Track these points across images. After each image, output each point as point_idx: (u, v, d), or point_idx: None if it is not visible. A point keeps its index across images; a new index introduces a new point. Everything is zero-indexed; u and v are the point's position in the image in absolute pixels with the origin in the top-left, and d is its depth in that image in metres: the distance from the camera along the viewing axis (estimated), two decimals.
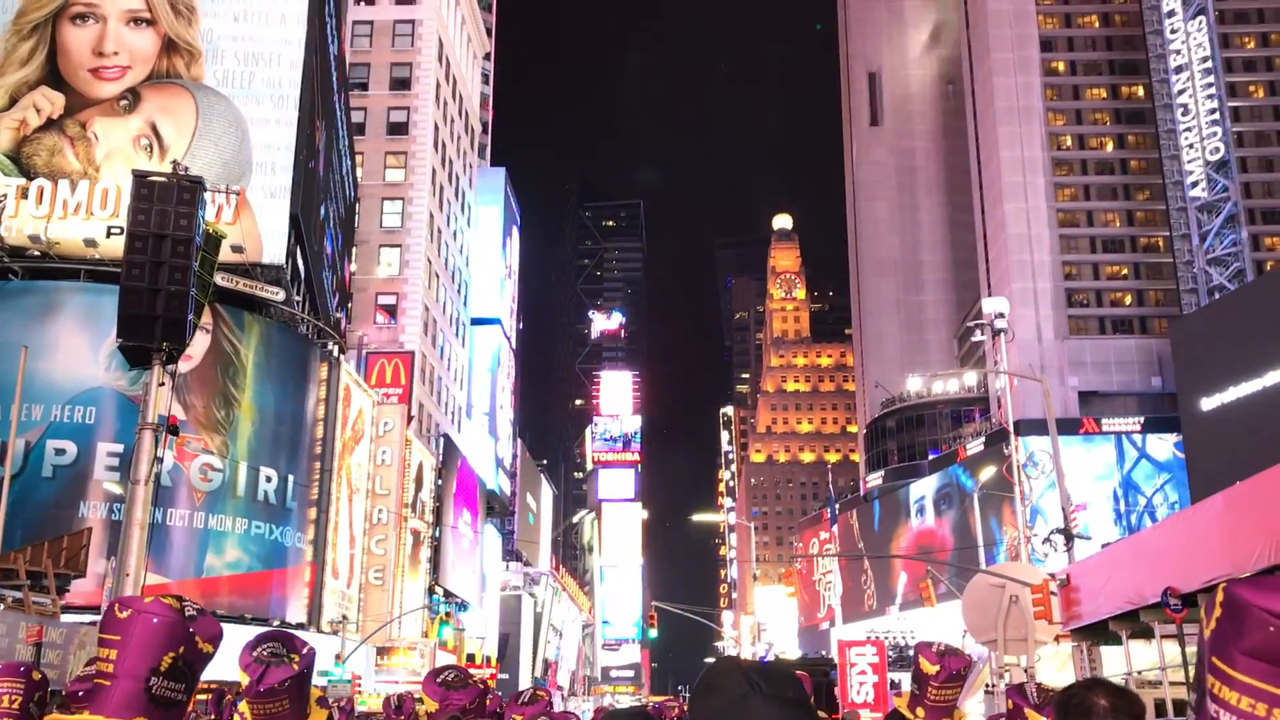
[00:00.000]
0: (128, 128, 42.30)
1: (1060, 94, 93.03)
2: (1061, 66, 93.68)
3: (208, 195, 17.97)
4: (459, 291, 77.71)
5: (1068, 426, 73.41)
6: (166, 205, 15.76)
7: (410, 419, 56.85)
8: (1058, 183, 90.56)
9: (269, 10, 44.86)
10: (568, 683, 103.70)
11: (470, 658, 59.27)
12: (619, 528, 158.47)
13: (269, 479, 42.56)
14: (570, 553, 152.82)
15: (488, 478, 78.57)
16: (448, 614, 61.51)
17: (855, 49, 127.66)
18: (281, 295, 42.70)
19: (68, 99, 42.25)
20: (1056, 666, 24.16)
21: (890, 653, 33.07)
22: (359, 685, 41.51)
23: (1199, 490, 61.95)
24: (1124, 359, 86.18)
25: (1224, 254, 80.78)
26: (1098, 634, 17.73)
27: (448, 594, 63.25)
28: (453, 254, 75.53)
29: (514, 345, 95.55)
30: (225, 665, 3.19)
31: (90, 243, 39.70)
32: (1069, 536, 27.64)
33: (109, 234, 38.98)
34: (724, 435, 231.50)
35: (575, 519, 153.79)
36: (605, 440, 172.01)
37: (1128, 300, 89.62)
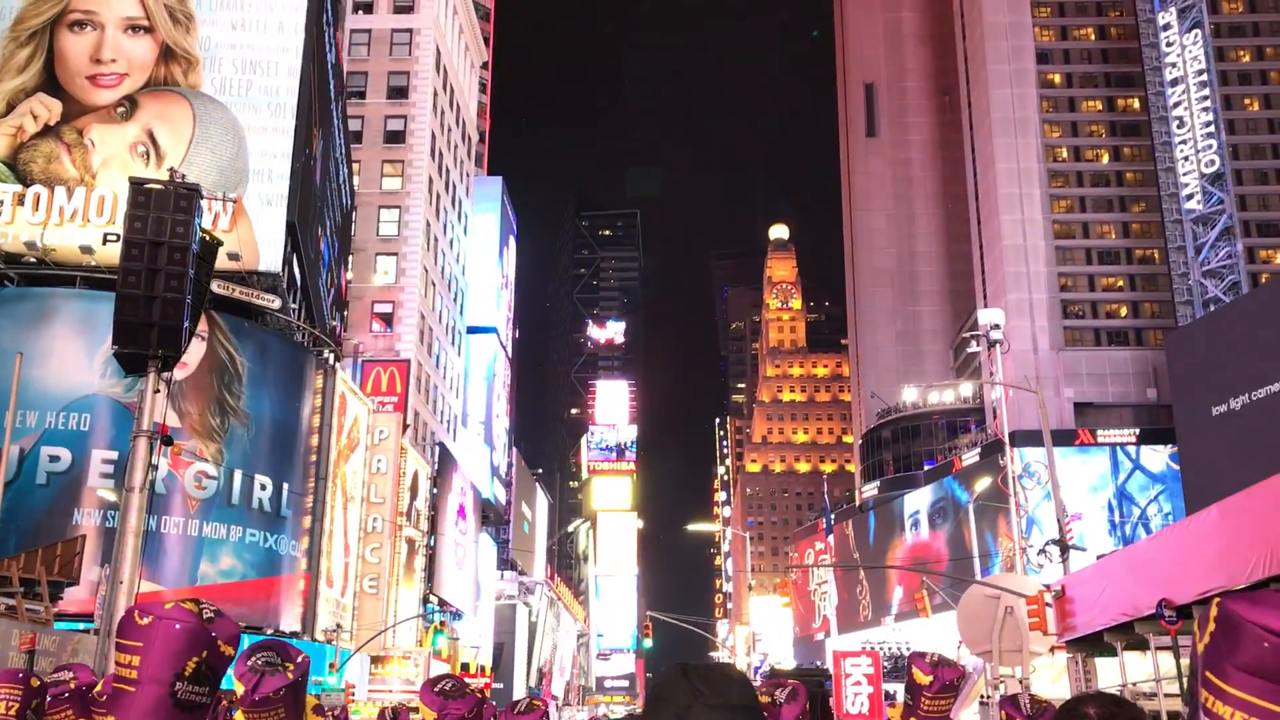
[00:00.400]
0: (125, 135, 42.30)
1: (1056, 106, 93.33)
2: (1058, 79, 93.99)
3: (204, 203, 17.99)
4: (455, 300, 77.72)
5: (1063, 438, 73.52)
6: (163, 212, 15.76)
7: (406, 427, 56.80)
8: (1053, 194, 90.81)
9: (267, 19, 44.92)
10: (562, 692, 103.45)
11: (465, 667, 59.11)
12: (614, 537, 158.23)
13: (264, 487, 42.48)
14: (565, 562, 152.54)
15: (483, 487, 78.47)
16: (442, 623, 61.41)
17: (852, 60, 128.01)
18: (277, 303, 42.67)
19: (65, 106, 42.25)
20: (1051, 678, 24.14)
21: (885, 663, 33.02)
22: (353, 694, 41.39)
23: (1194, 502, 62.07)
24: (1119, 370, 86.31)
25: (1219, 266, 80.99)
26: (1093, 645, 17.74)
27: (442, 603, 63.13)
28: (449, 262, 75.55)
29: (510, 354, 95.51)
30: None
31: (86, 249, 39.68)
32: (1064, 547, 27.66)
33: (105, 241, 38.98)
34: (719, 445, 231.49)
35: (570, 528, 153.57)
36: (601, 449, 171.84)
37: (1123, 312, 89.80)
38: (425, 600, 59.93)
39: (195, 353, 39.15)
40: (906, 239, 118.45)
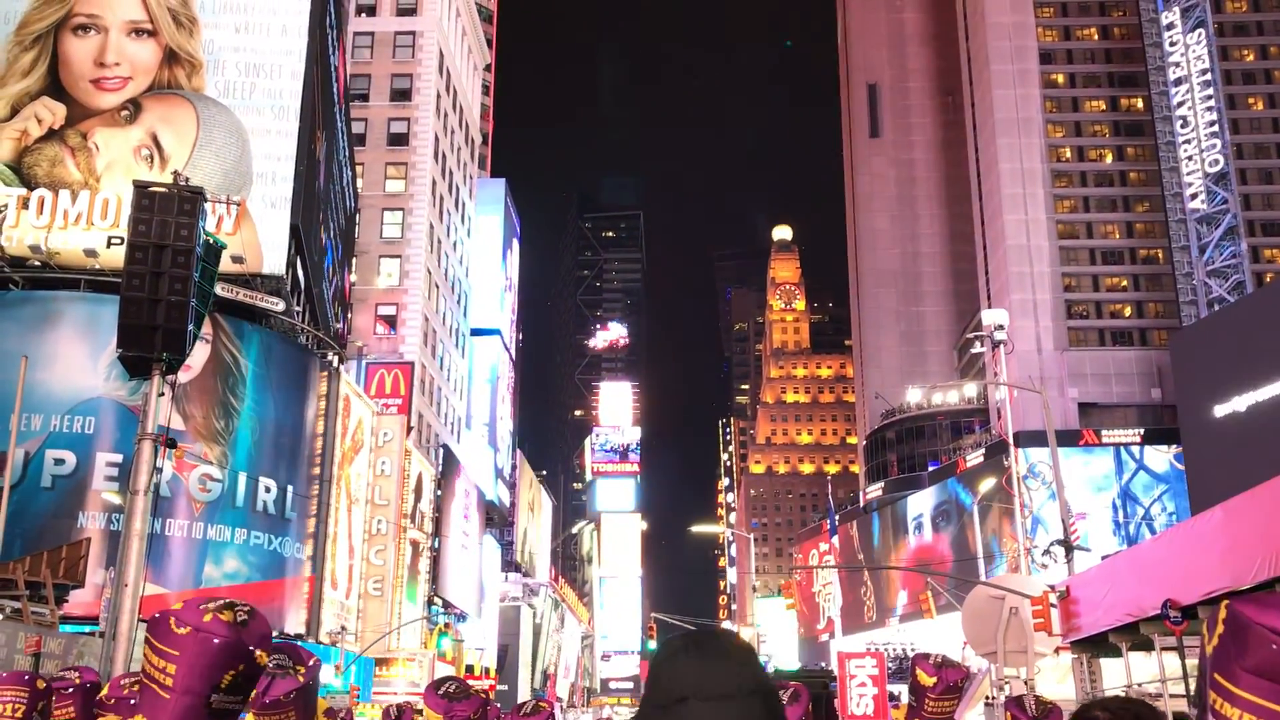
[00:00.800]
0: (128, 138, 42.36)
1: (1060, 106, 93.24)
2: (1061, 79, 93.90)
3: (208, 206, 18.01)
4: (459, 302, 77.76)
5: (1067, 438, 73.42)
6: (167, 215, 15.79)
7: (410, 429, 56.82)
8: (1057, 195, 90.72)
9: (270, 22, 44.96)
10: (567, 694, 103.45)
11: (469, 669, 59.12)
12: (618, 539, 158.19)
13: (268, 489, 42.51)
14: (569, 564, 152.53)
15: (487, 488, 78.50)
16: (447, 625, 61.42)
17: (855, 61, 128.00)
18: (281, 305, 42.71)
19: (69, 109, 42.32)
20: (1056, 679, 24.13)
21: (890, 665, 32.99)
22: (356, 696, 41.42)
23: (1199, 502, 61.93)
24: (1123, 371, 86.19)
25: (1223, 266, 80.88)
26: (1098, 646, 17.73)
27: (446, 605, 63.14)
28: (452, 265, 75.59)
29: (513, 356, 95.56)
30: None
31: (90, 253, 39.73)
32: (1069, 548, 27.62)
33: (109, 244, 39.00)
34: (723, 446, 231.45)
35: (574, 530, 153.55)
36: (605, 451, 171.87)
37: (1127, 312, 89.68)
38: (430, 602, 59.95)
39: (199, 355, 39.20)
40: (910, 239, 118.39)
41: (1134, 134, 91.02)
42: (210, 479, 40.58)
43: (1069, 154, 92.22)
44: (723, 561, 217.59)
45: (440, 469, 63.29)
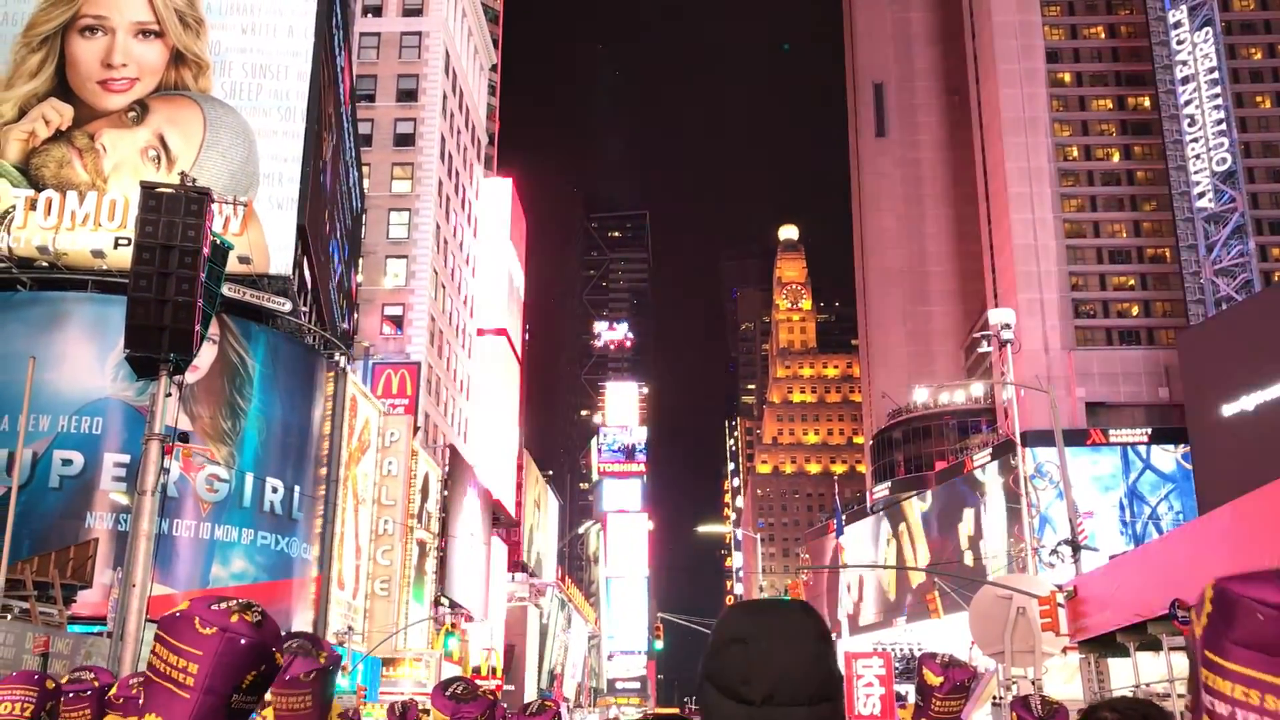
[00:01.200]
0: (135, 139, 42.46)
1: (1066, 105, 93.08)
2: (1067, 77, 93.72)
3: (215, 206, 18.04)
4: (465, 302, 77.82)
5: (1075, 438, 73.29)
6: (174, 216, 15.82)
7: (416, 430, 56.89)
8: (1064, 194, 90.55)
9: (277, 23, 45.04)
10: (573, 694, 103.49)
11: (476, 669, 59.18)
12: (625, 539, 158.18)
13: (275, 490, 42.59)
14: (576, 564, 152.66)
15: (493, 488, 78.57)
16: (453, 625, 61.46)
17: (861, 60, 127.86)
18: (288, 306, 42.77)
19: (76, 111, 42.42)
20: (1064, 679, 24.10)
21: (897, 665, 32.96)
22: (363, 696, 41.48)
23: (1206, 502, 61.81)
24: (1131, 370, 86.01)
25: (1231, 264, 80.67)
26: (1105, 646, 17.69)
27: (453, 605, 63.20)
28: (459, 265, 75.65)
29: (520, 356, 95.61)
30: None
31: (98, 254, 39.83)
32: (1076, 547, 27.56)
33: (117, 245, 39.11)
34: (730, 446, 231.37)
35: (581, 530, 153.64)
36: (611, 451, 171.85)
37: (1135, 311, 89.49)
38: (436, 602, 60.02)
39: (206, 356, 39.26)
40: (916, 239, 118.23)
41: (1141, 133, 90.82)
42: (217, 479, 40.65)
43: (1076, 153, 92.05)
44: (729, 561, 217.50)
45: (447, 469, 63.35)
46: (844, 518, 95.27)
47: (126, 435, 37.59)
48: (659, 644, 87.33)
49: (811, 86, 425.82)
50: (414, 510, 54.77)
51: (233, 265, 26.84)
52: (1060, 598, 18.96)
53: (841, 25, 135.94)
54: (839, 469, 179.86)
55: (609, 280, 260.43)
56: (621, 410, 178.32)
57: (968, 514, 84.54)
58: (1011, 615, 20.04)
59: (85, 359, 39.13)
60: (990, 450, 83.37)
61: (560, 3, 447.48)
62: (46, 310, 40.26)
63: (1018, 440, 41.06)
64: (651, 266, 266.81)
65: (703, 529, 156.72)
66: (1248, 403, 69.43)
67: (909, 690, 29.06)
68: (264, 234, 42.15)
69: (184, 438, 16.27)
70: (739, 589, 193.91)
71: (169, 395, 16.01)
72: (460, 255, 75.98)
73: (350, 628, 45.85)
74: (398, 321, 65.31)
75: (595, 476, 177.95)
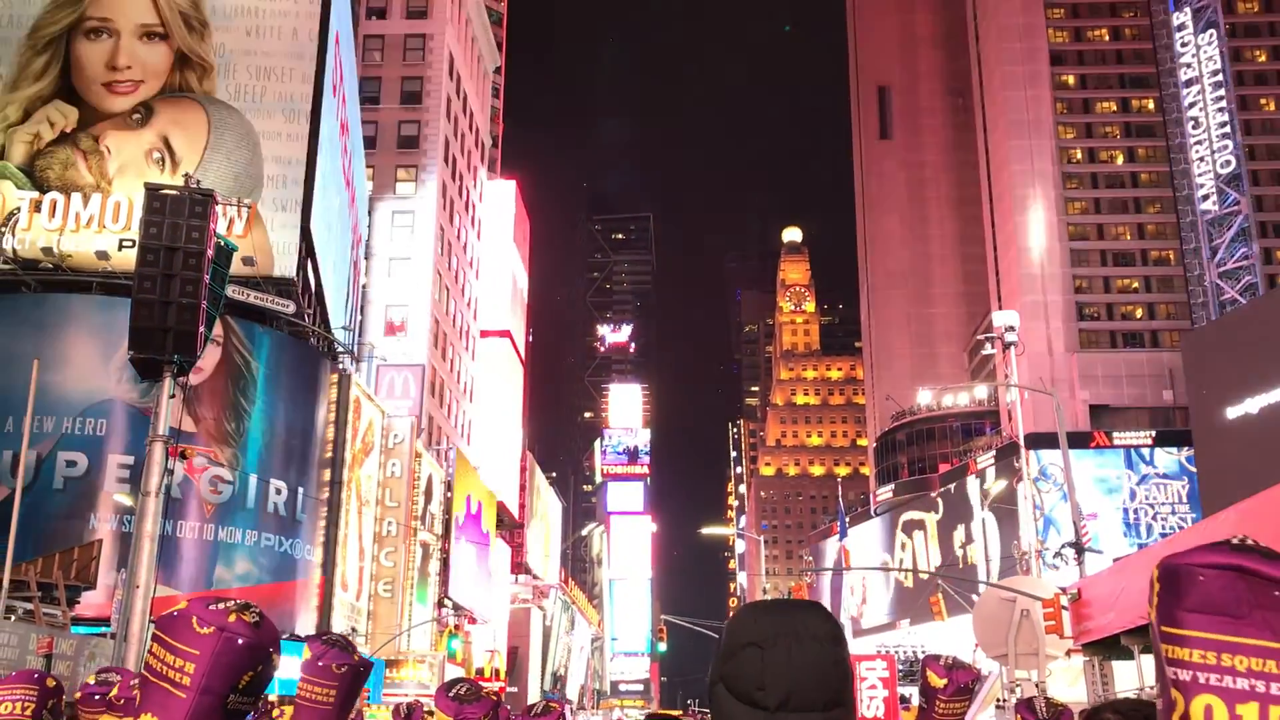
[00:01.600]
0: (140, 141, 42.53)
1: (1070, 107, 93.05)
2: (1071, 80, 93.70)
3: (219, 208, 18.06)
4: (469, 304, 77.85)
5: (1079, 440, 73.21)
6: (178, 218, 15.84)
7: (420, 431, 56.91)
8: (1068, 196, 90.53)
9: (281, 25, 45.09)
10: (576, 696, 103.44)
11: (479, 671, 59.17)
12: (628, 541, 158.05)
13: (279, 491, 42.61)
14: (579, 566, 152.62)
15: (496, 490, 78.55)
16: (457, 626, 61.46)
17: (865, 62, 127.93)
18: (292, 308, 42.80)
19: (81, 113, 42.49)
20: (1068, 681, 24.05)
21: (901, 667, 32.93)
22: (366, 698, 41.48)
23: (1210, 505, 61.72)
24: (1135, 372, 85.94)
25: (1235, 267, 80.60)
26: (1109, 649, 17.64)
27: (456, 607, 63.21)
28: (462, 267, 75.68)
29: (523, 357, 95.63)
30: None
31: (102, 255, 39.89)
32: (1080, 549, 27.54)
33: (121, 247, 39.07)
34: (733, 448, 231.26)
35: (584, 532, 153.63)
36: (615, 453, 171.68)
37: (1138, 313, 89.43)
38: (439, 604, 60.02)
39: (210, 358, 39.30)
40: (920, 241, 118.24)
41: (1145, 135, 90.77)
42: (221, 481, 40.69)
43: (1080, 155, 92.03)
44: (733, 564, 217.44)
45: (450, 471, 63.37)
46: (847, 520, 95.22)
47: (130, 437, 37.65)
48: (662, 646, 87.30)
49: (816, 89, 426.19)
50: (417, 512, 54.78)
51: (237, 267, 26.87)
52: (1064, 600, 18.92)
53: (845, 28, 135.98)
54: (842, 471, 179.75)
55: (612, 282, 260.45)
56: (625, 412, 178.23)
57: (971, 517, 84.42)
58: (1015, 618, 20.01)
59: (89, 360, 39.20)
60: (994, 453, 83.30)
61: (565, 6, 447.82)
62: (51, 312, 40.33)
63: (1021, 443, 41.00)
64: (655, 269, 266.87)
65: (706, 531, 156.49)
66: (1251, 406, 69.29)
67: (913, 692, 29.03)
68: (268, 236, 42.21)
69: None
70: (742, 589, 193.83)
71: (173, 397, 16.03)
72: (464, 257, 76.02)
73: (354, 629, 45.88)
74: (401, 324, 65.35)
75: (598, 478, 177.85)
